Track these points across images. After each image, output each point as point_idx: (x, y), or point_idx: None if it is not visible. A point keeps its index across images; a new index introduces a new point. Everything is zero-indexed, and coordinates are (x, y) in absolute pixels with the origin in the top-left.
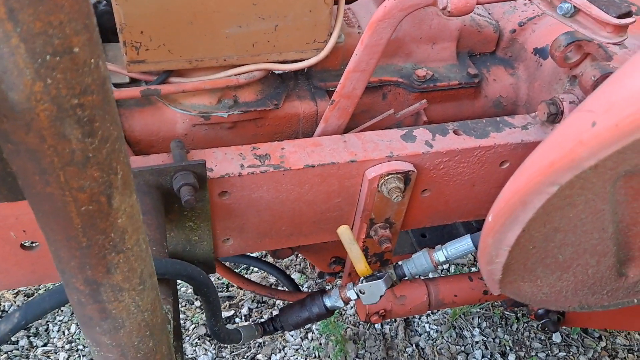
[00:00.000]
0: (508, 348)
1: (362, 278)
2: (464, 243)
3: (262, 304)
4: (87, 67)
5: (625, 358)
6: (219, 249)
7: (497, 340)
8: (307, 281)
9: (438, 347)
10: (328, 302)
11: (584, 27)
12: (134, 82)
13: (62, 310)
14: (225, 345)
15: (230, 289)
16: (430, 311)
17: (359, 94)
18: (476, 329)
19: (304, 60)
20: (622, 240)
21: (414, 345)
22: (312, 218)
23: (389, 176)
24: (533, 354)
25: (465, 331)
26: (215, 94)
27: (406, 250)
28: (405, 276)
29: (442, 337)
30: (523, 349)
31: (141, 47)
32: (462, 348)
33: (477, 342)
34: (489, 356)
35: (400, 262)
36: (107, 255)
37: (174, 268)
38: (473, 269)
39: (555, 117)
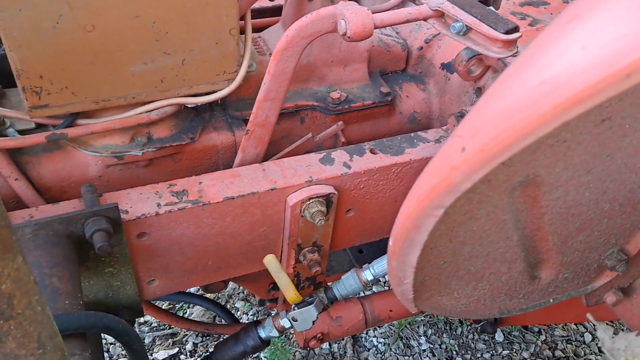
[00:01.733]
0: (454, 352)
1: (293, 305)
2: None
3: (207, 338)
4: None
5: (564, 349)
6: (144, 291)
7: (444, 346)
8: (251, 308)
9: None
10: (262, 333)
11: (477, 43)
12: (40, 127)
13: None
14: None
15: (172, 326)
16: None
17: (273, 121)
18: (422, 337)
19: (216, 91)
20: (529, 246)
21: None
22: (239, 249)
23: (310, 201)
24: (479, 355)
25: (412, 340)
26: (127, 133)
27: (345, 267)
28: (337, 298)
29: (390, 349)
30: (469, 352)
31: (42, 91)
32: (411, 358)
33: (424, 350)
34: None
35: (330, 284)
36: None
37: (88, 321)
38: None
39: None
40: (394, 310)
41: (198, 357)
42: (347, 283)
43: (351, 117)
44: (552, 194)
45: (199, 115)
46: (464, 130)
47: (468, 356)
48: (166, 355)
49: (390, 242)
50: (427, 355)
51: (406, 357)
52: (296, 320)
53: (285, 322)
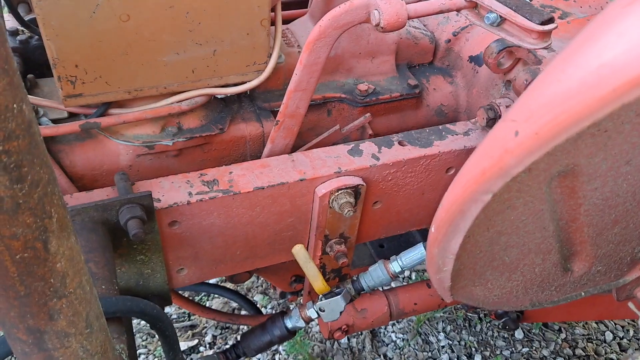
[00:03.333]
0: (473, 349)
1: (320, 296)
2: (417, 252)
3: (226, 330)
4: (10, 112)
5: (585, 347)
6: (173, 280)
7: (463, 343)
8: (270, 302)
9: (405, 356)
10: (289, 323)
11: (511, 35)
12: (72, 116)
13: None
14: None
15: (192, 317)
16: (392, 321)
17: (303, 112)
18: (441, 333)
19: (245, 82)
20: (563, 237)
21: (381, 356)
22: (267, 240)
23: (339, 192)
24: (498, 352)
25: (431, 336)
26: (158, 123)
27: (365, 262)
28: (364, 289)
29: (409, 344)
30: (488, 349)
31: (77, 80)
32: (429, 354)
33: (443, 347)
34: (455, 359)
35: (357, 276)
36: (49, 301)
37: (125, 305)
38: None
39: (494, 121)
40: (418, 303)
41: (217, 349)
42: (375, 274)
43: (378, 110)
44: (590, 184)
45: (228, 106)
46: (516, 114)
47: (487, 353)
48: (186, 347)
49: (432, 229)
50: (445, 352)
51: (425, 353)
52: (323, 311)
53: (312, 313)
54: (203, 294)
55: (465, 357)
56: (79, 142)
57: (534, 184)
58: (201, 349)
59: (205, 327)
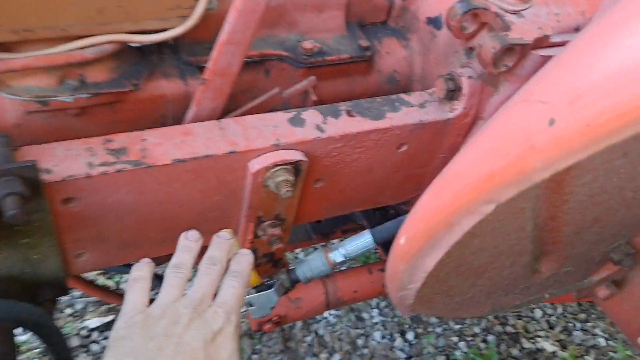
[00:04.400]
0: (406, 326)
1: (250, 288)
2: (363, 239)
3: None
4: None
5: (514, 324)
6: (71, 266)
7: (396, 319)
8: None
9: (337, 333)
10: None
11: None
12: None
13: None
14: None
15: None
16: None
17: (236, 70)
18: (374, 309)
19: (167, 30)
20: (538, 237)
21: (313, 334)
22: (188, 220)
23: (277, 168)
24: (430, 329)
25: (364, 313)
26: (54, 73)
27: (300, 237)
28: (300, 281)
29: (341, 321)
30: (421, 326)
31: None
32: (362, 331)
33: (376, 323)
34: (388, 336)
35: (293, 266)
36: None
37: None
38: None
39: (453, 93)
40: (359, 291)
41: None
42: (314, 265)
43: (324, 73)
44: (580, 178)
45: (146, 57)
46: (549, 93)
47: (420, 330)
48: (100, 323)
49: (400, 241)
50: (378, 329)
51: (358, 330)
52: (252, 305)
53: None
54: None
55: (398, 335)
56: None
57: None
58: None
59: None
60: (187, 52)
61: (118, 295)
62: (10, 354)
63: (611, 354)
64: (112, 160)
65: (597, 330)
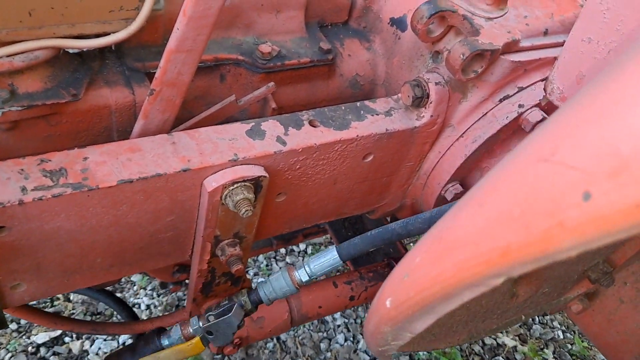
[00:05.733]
0: None
1: (208, 314)
2: (329, 257)
3: (98, 316)
4: None
5: None
6: (7, 298)
7: (359, 321)
8: (150, 282)
9: (300, 338)
10: (167, 343)
11: None
12: None
13: None
14: None
15: (55, 302)
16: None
17: (187, 80)
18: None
19: (109, 34)
20: None
21: (274, 340)
22: (138, 243)
23: (235, 186)
24: None
25: (327, 316)
26: None
27: (261, 243)
28: (262, 302)
29: (304, 325)
30: None
31: None
32: (325, 334)
33: (339, 326)
34: (351, 339)
35: (255, 285)
36: None
37: None
38: None
39: (420, 100)
40: (323, 306)
41: (86, 338)
42: (277, 285)
43: (283, 78)
44: None
45: (85, 64)
46: (581, 157)
47: None
48: (47, 338)
49: (385, 303)
50: (341, 331)
51: (320, 334)
52: (212, 334)
53: (196, 332)
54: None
55: (361, 336)
56: None
57: None
58: (66, 339)
59: (73, 312)
60: (132, 58)
61: (66, 319)
62: None
63: (569, 346)
64: (49, 183)
65: (555, 324)
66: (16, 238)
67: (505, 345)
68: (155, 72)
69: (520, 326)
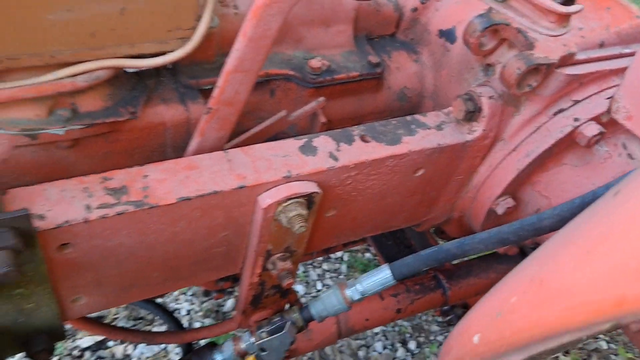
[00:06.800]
0: (408, 335)
1: (260, 331)
2: (381, 276)
3: (139, 321)
4: None
5: None
6: (67, 312)
7: (397, 329)
8: (189, 289)
9: (338, 346)
10: (220, 358)
11: (520, 14)
12: None
13: None
14: None
15: None
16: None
17: (244, 99)
18: None
19: (166, 53)
20: None
21: None
22: (192, 258)
23: (289, 202)
24: (432, 338)
25: None
26: (43, 104)
27: None
28: (314, 319)
29: None
30: (422, 335)
31: None
32: (363, 342)
33: (376, 334)
34: (390, 346)
35: (307, 303)
36: None
37: None
38: None
39: (472, 114)
40: (370, 319)
41: (129, 344)
42: (329, 302)
43: (333, 92)
44: None
45: (142, 82)
46: None
47: (422, 339)
48: (92, 342)
49: (473, 339)
50: (380, 339)
51: (359, 341)
52: (265, 351)
53: (249, 348)
54: None
55: (399, 345)
56: None
57: None
58: (110, 343)
59: (116, 317)
60: (186, 75)
61: (119, 329)
62: None
63: (613, 357)
64: (112, 201)
65: None
66: (79, 255)
67: None
68: (208, 89)
69: None
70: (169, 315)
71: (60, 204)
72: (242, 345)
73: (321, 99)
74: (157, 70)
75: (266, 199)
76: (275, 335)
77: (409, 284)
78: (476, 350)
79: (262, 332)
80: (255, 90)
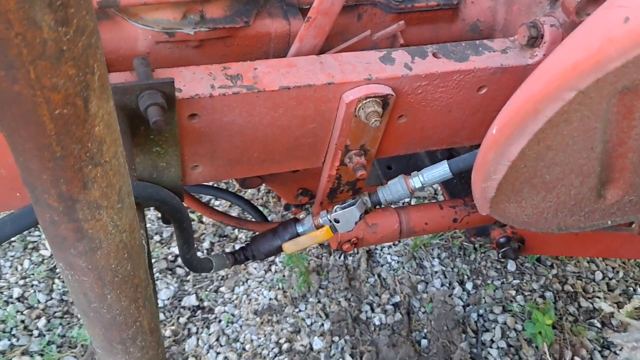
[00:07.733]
0: (466, 277)
1: (336, 207)
2: (440, 169)
3: (224, 238)
4: None
5: (574, 284)
6: (187, 177)
7: (456, 270)
8: (269, 214)
9: (399, 277)
10: (301, 229)
11: None
12: None
13: (13, 246)
14: (187, 278)
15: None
16: (399, 239)
17: (337, 10)
18: (436, 259)
19: None
20: (606, 161)
21: (376, 276)
22: (286, 144)
23: (367, 100)
24: (489, 281)
25: (425, 261)
26: (180, 9)
27: (372, 182)
28: (381, 203)
29: (403, 267)
30: (480, 278)
31: None
32: (422, 277)
33: (436, 272)
34: (447, 285)
35: (376, 190)
36: (84, 167)
37: (147, 192)
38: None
39: (535, 40)
40: (429, 223)
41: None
42: (394, 188)
43: (412, 18)
44: None
45: None
46: (628, 0)
47: (479, 281)
48: None
49: (492, 131)
50: (438, 277)
51: (418, 277)
52: (338, 222)
53: (325, 222)
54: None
55: (457, 284)
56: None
57: (597, 97)
58: (198, 254)
59: (204, 233)
60: None
61: (218, 212)
62: (147, 235)
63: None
64: (230, 84)
65: None
66: (202, 125)
67: (602, 309)
68: (306, 8)
69: (620, 294)
70: (256, 209)
71: (192, 82)
72: (320, 220)
73: (401, 22)
74: None
75: (349, 96)
76: (347, 209)
77: (466, 200)
78: (494, 139)
79: (337, 207)
80: (346, 14)
